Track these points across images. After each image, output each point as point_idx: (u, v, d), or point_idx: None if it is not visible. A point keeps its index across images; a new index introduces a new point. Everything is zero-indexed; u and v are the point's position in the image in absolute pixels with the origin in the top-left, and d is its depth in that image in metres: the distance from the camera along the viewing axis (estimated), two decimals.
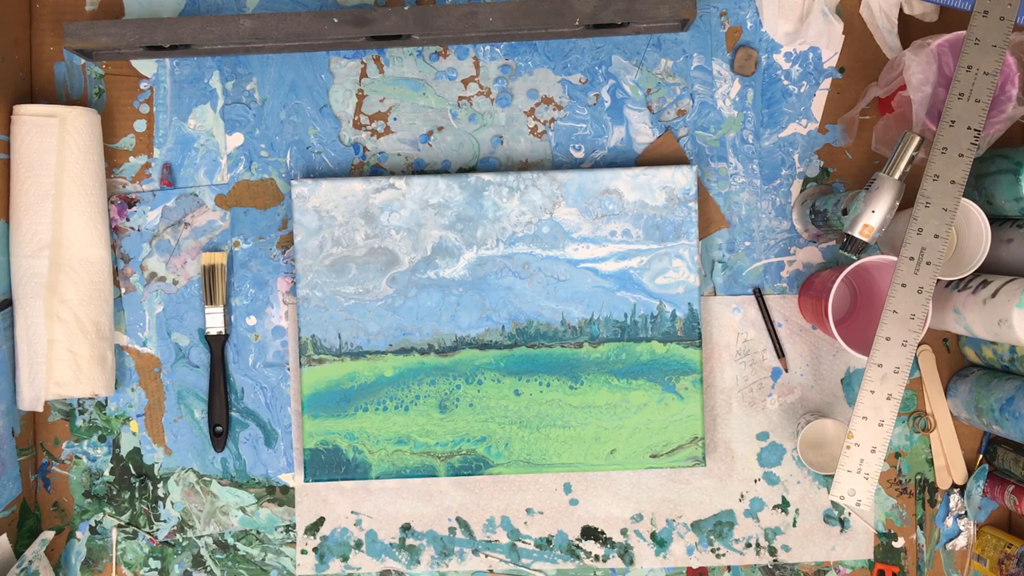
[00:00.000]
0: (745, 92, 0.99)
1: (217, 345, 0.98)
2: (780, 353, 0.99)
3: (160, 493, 1.00)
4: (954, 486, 1.00)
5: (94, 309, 0.94)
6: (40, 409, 0.93)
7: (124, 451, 1.00)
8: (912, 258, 0.82)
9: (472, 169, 1.00)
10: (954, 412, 0.99)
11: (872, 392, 0.83)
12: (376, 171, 1.00)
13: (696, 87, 0.99)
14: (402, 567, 1.00)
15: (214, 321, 0.98)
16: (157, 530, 1.00)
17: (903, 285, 0.82)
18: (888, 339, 0.82)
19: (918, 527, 1.01)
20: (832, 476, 0.99)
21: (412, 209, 0.95)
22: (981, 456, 1.00)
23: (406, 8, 0.91)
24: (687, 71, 0.99)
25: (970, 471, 1.00)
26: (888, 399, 0.83)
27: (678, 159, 1.00)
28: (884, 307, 0.82)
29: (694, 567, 1.00)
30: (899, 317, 0.82)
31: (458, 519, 1.00)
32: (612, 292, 0.95)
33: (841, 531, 1.00)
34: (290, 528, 1.00)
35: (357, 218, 0.95)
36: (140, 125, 0.99)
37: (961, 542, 1.00)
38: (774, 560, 1.00)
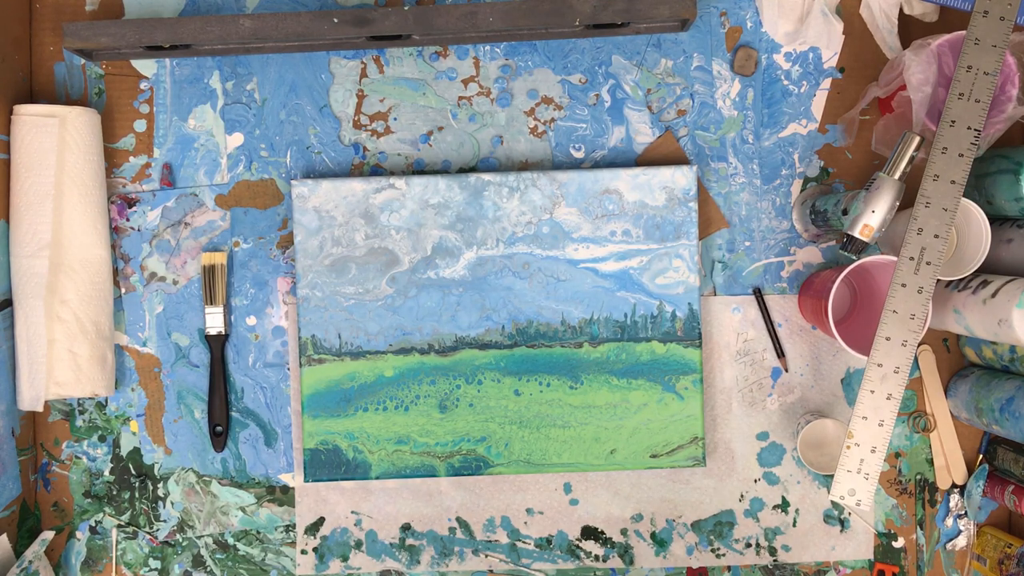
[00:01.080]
0: (745, 92, 0.99)
1: (217, 345, 0.98)
2: (780, 353, 0.99)
3: (160, 493, 1.00)
4: (954, 486, 1.00)
5: (94, 309, 0.94)
6: (40, 409, 0.93)
7: (124, 451, 1.00)
8: (912, 258, 0.82)
9: (472, 169, 1.00)
10: (954, 412, 0.99)
11: (872, 392, 0.83)
12: (376, 171, 1.00)
13: (696, 87, 0.99)
14: (402, 567, 1.00)
15: (214, 321, 0.98)
16: (157, 530, 1.00)
17: (903, 285, 0.82)
18: (888, 339, 0.83)
19: (918, 527, 1.01)
20: (832, 476, 0.99)
21: (412, 209, 0.95)
22: (981, 456, 1.00)
23: (406, 8, 0.91)
24: (687, 71, 0.99)
25: (970, 471, 1.00)
26: (888, 399, 0.83)
27: (678, 159, 1.00)
28: (884, 307, 0.83)
29: (694, 567, 1.00)
30: (899, 317, 0.82)
31: (458, 519, 1.00)
32: (612, 292, 0.95)
33: (841, 531, 1.00)
34: (290, 528, 1.00)
35: (357, 218, 0.95)
36: (140, 125, 0.99)
37: (961, 542, 1.00)
38: (774, 560, 1.00)
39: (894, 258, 0.88)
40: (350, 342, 0.95)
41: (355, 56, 0.99)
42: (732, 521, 1.00)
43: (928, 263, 0.82)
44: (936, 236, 0.82)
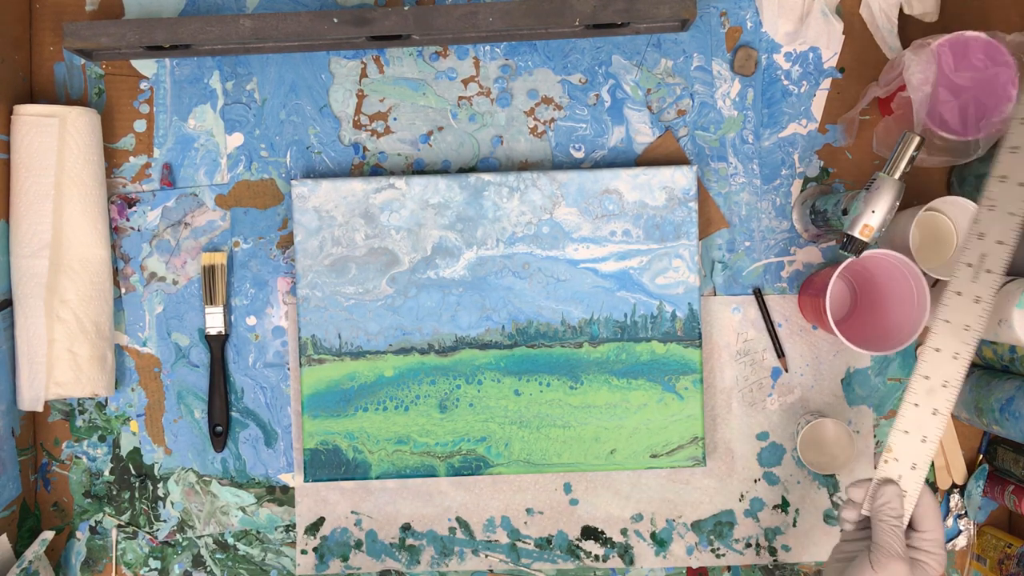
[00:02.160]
0: (745, 92, 0.99)
1: (217, 345, 0.98)
2: (780, 353, 0.99)
3: (160, 493, 1.00)
4: (954, 486, 1.00)
5: (94, 309, 0.94)
6: (40, 409, 0.93)
7: (124, 451, 1.00)
8: (970, 264, 0.75)
9: (472, 169, 1.00)
10: (954, 412, 0.99)
11: (916, 405, 0.77)
12: (376, 171, 1.00)
13: (696, 87, 0.99)
14: (402, 567, 1.00)
15: (214, 321, 0.98)
16: (157, 530, 1.00)
17: (958, 293, 0.76)
18: (938, 350, 0.76)
19: None
20: (832, 476, 0.99)
21: (412, 209, 0.95)
22: (981, 456, 1.00)
23: (406, 8, 0.91)
24: (687, 71, 0.99)
25: (970, 471, 1.00)
26: (934, 414, 0.77)
27: (678, 159, 1.00)
28: (935, 316, 0.77)
29: (694, 567, 1.00)
30: (952, 327, 0.76)
31: (458, 519, 1.00)
32: (612, 292, 0.95)
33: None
34: (290, 528, 1.00)
35: (357, 218, 0.95)
36: (140, 125, 0.99)
37: (961, 542, 1.00)
38: (774, 560, 1.00)
39: (889, 251, 0.88)
40: (350, 342, 0.95)
41: (355, 56, 0.99)
42: (732, 521, 1.00)
43: (989, 271, 0.75)
44: (1000, 242, 0.74)
